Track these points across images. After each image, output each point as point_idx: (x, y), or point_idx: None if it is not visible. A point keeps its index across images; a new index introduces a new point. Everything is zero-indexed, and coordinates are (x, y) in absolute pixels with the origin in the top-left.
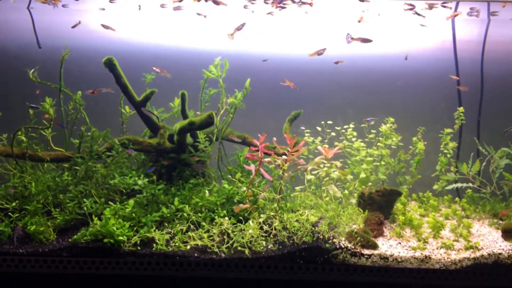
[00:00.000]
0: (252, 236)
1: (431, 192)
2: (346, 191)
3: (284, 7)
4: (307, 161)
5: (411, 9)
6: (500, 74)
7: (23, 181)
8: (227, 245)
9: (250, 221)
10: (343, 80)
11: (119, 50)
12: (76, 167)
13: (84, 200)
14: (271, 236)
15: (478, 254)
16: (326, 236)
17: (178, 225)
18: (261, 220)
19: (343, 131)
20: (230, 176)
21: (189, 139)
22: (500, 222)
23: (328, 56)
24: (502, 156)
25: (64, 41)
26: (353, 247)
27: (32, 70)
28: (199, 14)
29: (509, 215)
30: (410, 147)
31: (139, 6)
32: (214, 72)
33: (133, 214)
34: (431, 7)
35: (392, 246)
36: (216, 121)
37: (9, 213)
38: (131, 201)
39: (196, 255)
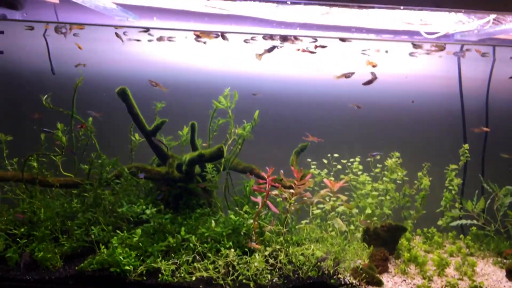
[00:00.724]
0: (258, 269)
1: (435, 227)
2: (352, 226)
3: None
4: (313, 193)
5: (415, 49)
6: (505, 111)
7: (32, 206)
8: (232, 277)
9: (256, 254)
10: (350, 114)
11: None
12: (85, 194)
13: (92, 227)
14: (277, 269)
15: None
16: (331, 271)
17: (184, 255)
18: (266, 253)
19: (349, 164)
20: (237, 208)
21: (196, 168)
22: (505, 261)
23: (336, 89)
24: (506, 194)
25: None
26: (358, 283)
27: (46, 96)
28: (198, 41)
29: None
30: (415, 181)
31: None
32: (223, 103)
33: (140, 244)
34: (441, 48)
35: (397, 283)
36: (224, 153)
37: (17, 239)
38: (139, 230)
39: (201, 287)
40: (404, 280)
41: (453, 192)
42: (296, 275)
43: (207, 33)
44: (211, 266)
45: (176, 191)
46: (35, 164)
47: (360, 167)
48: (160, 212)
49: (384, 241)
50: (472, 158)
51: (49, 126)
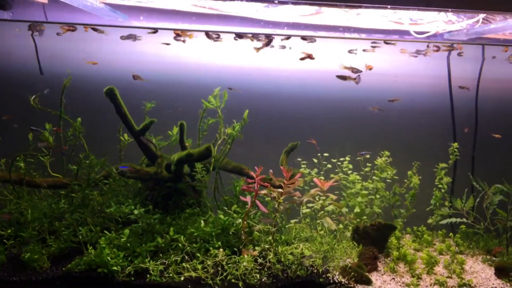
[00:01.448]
0: (246, 269)
1: (425, 226)
2: (341, 225)
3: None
4: (303, 192)
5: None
6: (494, 110)
7: (20, 207)
8: (221, 277)
9: (245, 254)
10: (341, 113)
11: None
12: (73, 194)
13: (80, 228)
14: (265, 269)
15: None
16: (320, 270)
17: (172, 255)
18: (255, 252)
19: (339, 163)
20: (226, 208)
21: (186, 168)
22: (494, 259)
23: (326, 88)
24: (495, 192)
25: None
26: (347, 282)
27: (33, 96)
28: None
29: (503, 253)
30: (405, 180)
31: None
32: (213, 103)
33: (128, 244)
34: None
35: (386, 281)
36: (213, 152)
37: (4, 240)
38: (127, 231)
39: (189, 287)
40: (393, 279)
41: (443, 190)
42: (285, 275)
43: (186, 32)
44: (200, 266)
45: (165, 191)
46: (22, 165)
47: (350, 166)
48: (148, 212)
49: (374, 239)
50: (462, 157)
51: (41, 127)
